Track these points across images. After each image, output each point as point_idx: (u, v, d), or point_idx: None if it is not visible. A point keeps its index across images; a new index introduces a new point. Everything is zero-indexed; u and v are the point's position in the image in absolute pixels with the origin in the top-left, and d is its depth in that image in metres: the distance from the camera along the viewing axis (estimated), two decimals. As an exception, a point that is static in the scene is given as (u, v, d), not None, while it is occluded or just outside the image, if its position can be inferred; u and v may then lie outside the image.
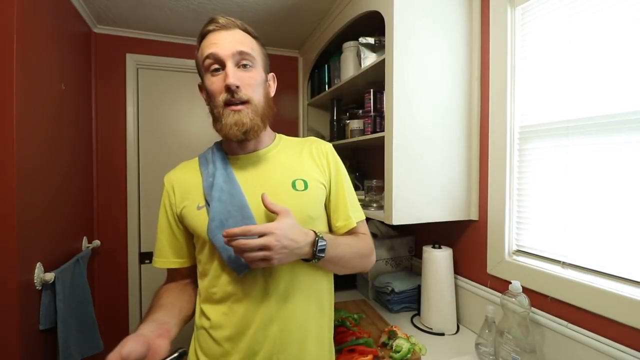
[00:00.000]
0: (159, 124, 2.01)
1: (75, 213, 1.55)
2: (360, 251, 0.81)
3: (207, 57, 0.71)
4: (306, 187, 0.77)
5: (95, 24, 1.80)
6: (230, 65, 0.71)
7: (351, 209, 0.84)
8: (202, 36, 0.75)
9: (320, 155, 0.84)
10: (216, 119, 0.74)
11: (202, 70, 0.76)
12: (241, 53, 0.72)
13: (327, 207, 0.83)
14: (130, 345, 0.57)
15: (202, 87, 0.79)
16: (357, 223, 0.84)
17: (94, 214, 1.85)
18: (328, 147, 0.87)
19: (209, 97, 0.75)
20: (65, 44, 1.45)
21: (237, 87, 0.70)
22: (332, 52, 1.77)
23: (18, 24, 1.02)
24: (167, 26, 1.86)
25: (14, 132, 1.01)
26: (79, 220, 1.60)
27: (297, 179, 0.78)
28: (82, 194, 1.67)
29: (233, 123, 0.71)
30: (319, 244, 0.68)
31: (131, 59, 1.91)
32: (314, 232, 0.70)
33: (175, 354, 0.61)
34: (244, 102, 0.72)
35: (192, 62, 2.04)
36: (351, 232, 0.84)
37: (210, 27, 0.73)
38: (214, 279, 0.75)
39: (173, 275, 0.86)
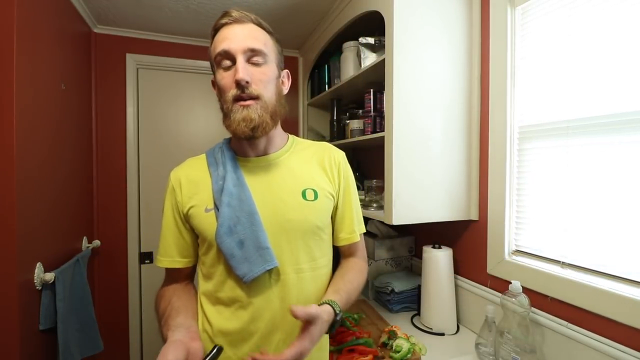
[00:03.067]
0: (159, 124, 2.01)
1: (76, 213, 1.55)
2: (360, 286, 0.81)
3: (219, 53, 0.70)
4: (316, 197, 0.76)
5: (95, 24, 1.80)
6: (240, 60, 0.68)
7: (356, 223, 0.85)
8: (215, 30, 0.73)
9: (333, 165, 0.82)
10: (225, 115, 0.72)
11: (214, 65, 0.74)
12: (253, 50, 0.70)
13: (332, 217, 0.83)
14: (172, 353, 0.56)
15: (214, 83, 0.77)
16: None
17: (94, 214, 1.85)
18: (341, 156, 0.85)
19: (220, 93, 0.73)
20: (65, 44, 1.45)
21: (247, 82, 0.68)
22: (332, 52, 1.77)
23: (18, 24, 1.02)
24: (167, 26, 1.86)
25: (14, 132, 1.01)
26: (79, 220, 1.60)
27: (307, 189, 0.76)
28: (82, 194, 1.67)
29: (241, 119, 0.69)
30: (337, 319, 0.67)
31: (131, 59, 1.91)
32: (333, 309, 0.66)
33: (214, 351, 0.61)
34: (254, 98, 0.70)
35: (192, 62, 2.04)
36: (352, 248, 0.86)
37: (223, 21, 0.71)
38: (220, 284, 0.74)
39: (174, 275, 0.83)
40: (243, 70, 0.68)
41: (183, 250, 0.79)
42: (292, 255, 0.74)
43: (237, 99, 0.69)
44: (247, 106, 0.69)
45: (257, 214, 0.71)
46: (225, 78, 0.70)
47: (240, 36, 0.69)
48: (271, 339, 0.72)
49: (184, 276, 0.84)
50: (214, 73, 0.76)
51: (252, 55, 0.70)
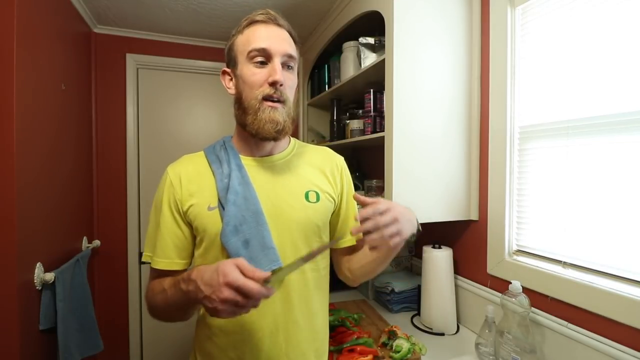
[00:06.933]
0: (159, 124, 2.01)
1: (76, 213, 1.55)
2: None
3: (256, 49, 0.70)
4: (318, 199, 0.77)
5: (95, 24, 1.80)
6: (278, 62, 0.70)
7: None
8: (250, 23, 0.74)
9: (335, 170, 0.84)
10: (246, 111, 0.72)
11: (238, 56, 0.74)
12: (290, 56, 0.73)
13: (333, 219, 0.84)
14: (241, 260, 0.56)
15: (231, 74, 0.77)
16: None
17: (94, 214, 1.85)
18: (342, 161, 0.88)
19: (244, 87, 0.73)
20: (65, 44, 1.45)
21: (282, 85, 0.70)
22: (332, 52, 1.77)
23: (18, 24, 1.02)
24: (167, 26, 1.86)
25: (14, 132, 1.01)
26: (79, 220, 1.60)
27: (310, 191, 0.77)
28: (82, 194, 1.67)
29: (269, 120, 0.70)
30: (418, 220, 0.67)
31: (131, 59, 1.92)
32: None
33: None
34: (282, 101, 0.71)
35: (191, 62, 2.04)
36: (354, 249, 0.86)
37: (261, 18, 0.73)
38: None
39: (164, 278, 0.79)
40: (281, 72, 0.70)
41: (182, 250, 0.76)
42: (295, 255, 0.73)
43: (266, 98, 0.70)
44: (275, 108, 0.71)
45: (262, 214, 0.71)
46: (257, 74, 0.71)
47: (279, 38, 0.72)
48: (273, 340, 0.72)
49: None
50: (234, 64, 0.75)
51: (288, 60, 0.73)
